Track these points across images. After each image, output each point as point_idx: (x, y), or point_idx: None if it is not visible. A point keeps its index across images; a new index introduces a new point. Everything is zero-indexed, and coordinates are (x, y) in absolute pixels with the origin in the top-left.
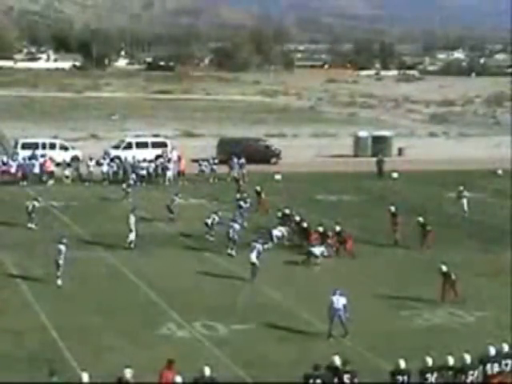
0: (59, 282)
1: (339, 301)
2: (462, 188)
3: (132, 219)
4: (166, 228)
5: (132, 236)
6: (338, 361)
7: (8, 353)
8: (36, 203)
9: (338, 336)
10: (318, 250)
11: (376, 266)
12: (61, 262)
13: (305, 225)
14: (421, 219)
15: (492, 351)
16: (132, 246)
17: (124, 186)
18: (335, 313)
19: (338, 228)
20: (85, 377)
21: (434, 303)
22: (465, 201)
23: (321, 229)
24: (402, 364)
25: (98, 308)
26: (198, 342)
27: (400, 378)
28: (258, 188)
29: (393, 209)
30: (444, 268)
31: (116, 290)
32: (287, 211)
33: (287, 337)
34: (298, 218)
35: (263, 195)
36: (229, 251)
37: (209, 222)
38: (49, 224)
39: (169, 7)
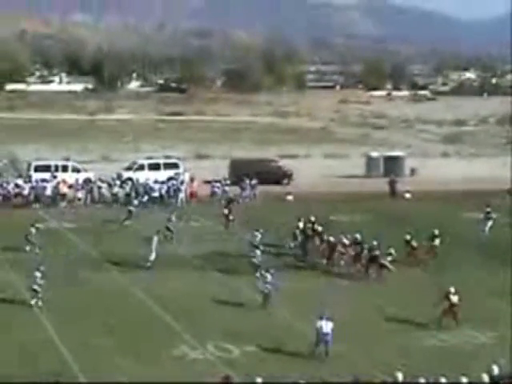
0: (33, 302)
1: (328, 325)
2: (489, 209)
3: (155, 240)
4: (178, 249)
5: (153, 256)
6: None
7: (15, 369)
8: (33, 229)
9: (349, 356)
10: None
11: (390, 286)
12: (35, 287)
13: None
14: (407, 237)
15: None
16: (149, 264)
17: (131, 207)
18: (323, 337)
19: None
20: None
21: (448, 323)
22: (490, 222)
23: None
24: (400, 377)
25: (111, 329)
26: (210, 364)
27: None
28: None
29: (408, 237)
30: (452, 290)
31: (128, 310)
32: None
33: (299, 358)
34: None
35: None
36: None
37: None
38: (61, 245)
39: (180, 29)
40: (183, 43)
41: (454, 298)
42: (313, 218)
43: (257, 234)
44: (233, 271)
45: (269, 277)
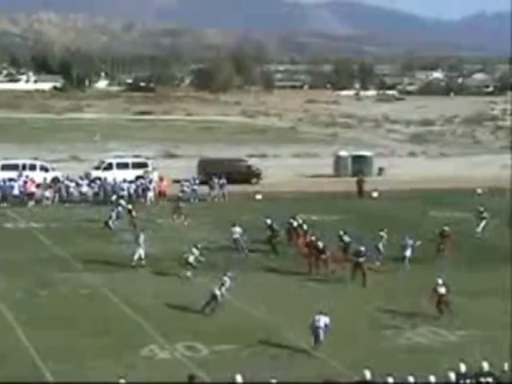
0: None
1: (321, 319)
2: (482, 209)
3: (142, 238)
4: (148, 249)
5: (142, 254)
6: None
7: None
8: None
9: (318, 356)
10: None
11: (359, 285)
12: None
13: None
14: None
15: (463, 368)
16: (143, 263)
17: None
18: (315, 330)
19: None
20: None
21: (417, 322)
22: (483, 222)
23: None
24: (368, 375)
25: (80, 329)
26: (179, 363)
27: None
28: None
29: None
30: (439, 281)
31: (97, 310)
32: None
33: (268, 356)
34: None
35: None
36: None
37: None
38: (29, 245)
39: (149, 28)
40: (152, 42)
41: (442, 290)
42: (300, 219)
43: (236, 229)
44: (202, 270)
45: (227, 281)
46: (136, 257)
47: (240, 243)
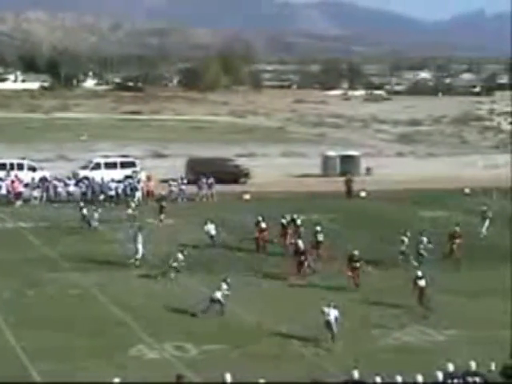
0: None
1: (330, 313)
2: (485, 208)
3: (140, 238)
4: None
5: (139, 254)
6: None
7: None
8: None
9: (307, 356)
10: None
11: (349, 286)
12: None
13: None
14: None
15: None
16: (137, 263)
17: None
18: (328, 324)
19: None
20: None
21: (405, 322)
22: (487, 221)
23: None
24: (356, 375)
25: (68, 329)
26: (168, 363)
27: None
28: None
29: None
30: (419, 274)
31: (86, 311)
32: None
33: (258, 356)
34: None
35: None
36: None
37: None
38: (17, 245)
39: (137, 28)
40: (140, 42)
41: (422, 282)
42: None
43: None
44: (190, 270)
45: (224, 286)
46: (139, 255)
47: (214, 240)
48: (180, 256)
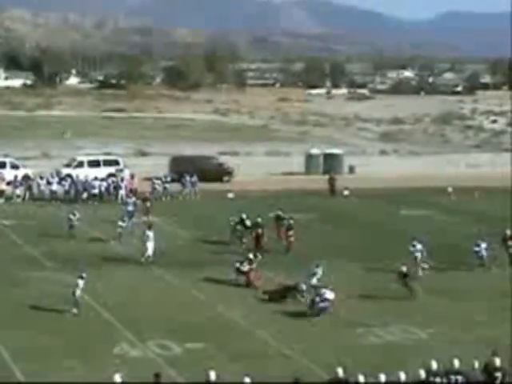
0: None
1: (327, 293)
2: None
3: (150, 235)
4: (118, 247)
5: (150, 251)
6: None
7: None
8: None
9: (291, 355)
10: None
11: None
12: None
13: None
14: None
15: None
16: (150, 259)
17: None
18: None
19: None
20: None
21: (388, 320)
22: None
23: None
24: (340, 373)
25: (51, 328)
26: (151, 361)
27: None
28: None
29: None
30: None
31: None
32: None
33: (241, 355)
34: None
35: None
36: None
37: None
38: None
39: (120, 26)
40: (123, 40)
41: (404, 268)
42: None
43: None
44: (174, 268)
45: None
46: (150, 252)
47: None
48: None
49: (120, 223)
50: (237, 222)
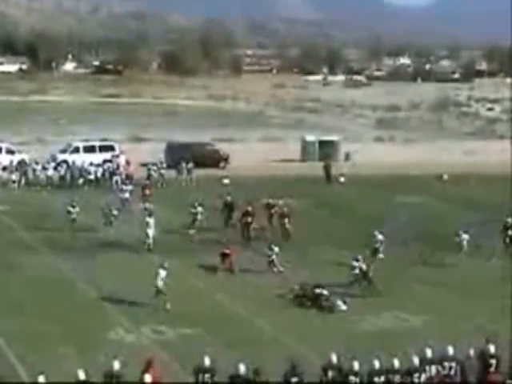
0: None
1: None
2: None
3: (150, 222)
4: (114, 232)
5: (150, 239)
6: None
7: None
8: None
9: (286, 342)
10: None
11: (326, 270)
12: None
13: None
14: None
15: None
16: (151, 247)
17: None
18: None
19: None
20: (41, 378)
21: (382, 307)
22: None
23: None
24: (334, 359)
25: (45, 314)
26: (145, 347)
27: (331, 372)
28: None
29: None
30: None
31: (63, 295)
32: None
33: (236, 342)
34: None
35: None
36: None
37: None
38: None
39: (116, 11)
40: (119, 25)
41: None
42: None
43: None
44: (170, 254)
45: (162, 273)
46: (150, 240)
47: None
48: (162, 272)
49: (114, 211)
50: (223, 207)
